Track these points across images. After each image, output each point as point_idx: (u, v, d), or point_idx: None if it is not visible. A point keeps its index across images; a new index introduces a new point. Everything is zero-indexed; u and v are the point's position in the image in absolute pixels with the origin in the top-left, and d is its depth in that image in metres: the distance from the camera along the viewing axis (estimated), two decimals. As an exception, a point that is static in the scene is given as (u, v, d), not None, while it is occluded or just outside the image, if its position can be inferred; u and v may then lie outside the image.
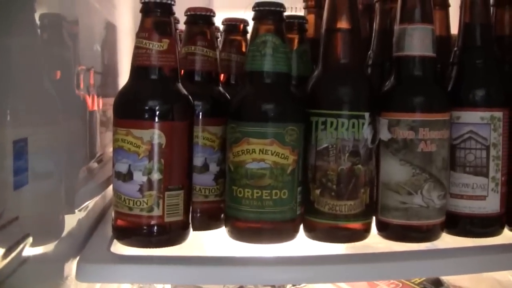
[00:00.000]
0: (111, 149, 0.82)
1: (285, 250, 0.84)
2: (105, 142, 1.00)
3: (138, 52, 0.81)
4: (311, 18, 1.04)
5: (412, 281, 1.10)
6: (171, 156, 0.79)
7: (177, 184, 0.80)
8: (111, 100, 0.83)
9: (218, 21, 1.01)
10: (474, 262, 0.86)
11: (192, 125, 0.83)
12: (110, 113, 0.82)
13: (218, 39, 1.06)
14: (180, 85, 0.82)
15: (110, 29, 1.08)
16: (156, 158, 0.79)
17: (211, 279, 0.80)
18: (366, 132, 0.84)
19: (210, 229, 0.91)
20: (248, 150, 0.82)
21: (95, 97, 0.95)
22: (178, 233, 0.82)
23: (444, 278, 1.11)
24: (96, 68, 0.97)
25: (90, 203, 0.91)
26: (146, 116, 0.78)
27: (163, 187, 0.79)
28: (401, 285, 1.10)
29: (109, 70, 1.07)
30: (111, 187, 0.83)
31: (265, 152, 0.82)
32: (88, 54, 0.92)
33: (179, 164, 0.81)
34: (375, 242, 0.89)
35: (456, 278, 1.12)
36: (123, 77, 0.84)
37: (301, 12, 1.08)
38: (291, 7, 1.20)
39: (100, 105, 0.97)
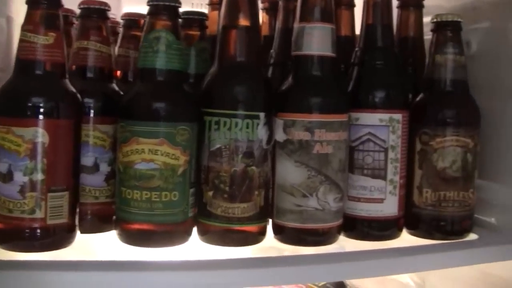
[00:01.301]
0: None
1: (179, 254, 0.81)
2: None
3: (23, 46, 0.77)
4: (214, 14, 1.02)
5: (316, 283, 1.09)
6: (55, 155, 0.76)
7: (61, 185, 0.77)
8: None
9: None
10: (374, 265, 0.85)
11: (79, 124, 0.80)
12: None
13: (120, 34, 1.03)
14: (67, 82, 0.79)
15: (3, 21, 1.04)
16: (38, 157, 0.75)
17: (100, 285, 0.76)
18: (261, 133, 0.82)
19: (102, 232, 0.87)
20: (137, 150, 0.79)
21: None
22: (62, 236, 0.78)
23: (347, 280, 1.10)
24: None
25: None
26: (28, 113, 0.75)
27: (46, 188, 0.75)
28: (304, 287, 1.09)
29: (4, 64, 1.02)
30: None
31: (154, 153, 0.79)
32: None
33: (64, 164, 0.77)
34: (280, 244, 0.87)
35: (359, 280, 1.11)
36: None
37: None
38: (201, 4, 1.17)
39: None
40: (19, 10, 1.01)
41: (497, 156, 0.98)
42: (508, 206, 0.97)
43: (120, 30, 1.03)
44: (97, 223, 0.87)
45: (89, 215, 0.86)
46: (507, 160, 0.97)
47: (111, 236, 0.85)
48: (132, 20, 1.01)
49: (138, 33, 1.00)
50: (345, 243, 0.90)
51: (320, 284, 1.10)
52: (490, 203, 0.99)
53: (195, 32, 0.97)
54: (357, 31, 0.99)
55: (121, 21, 1.02)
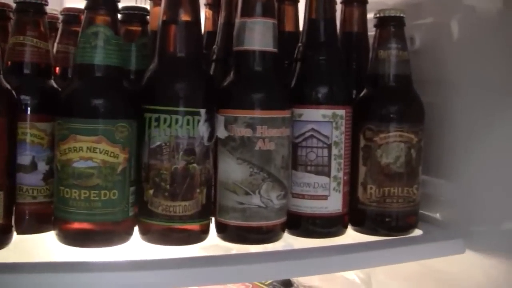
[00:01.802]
0: None
1: (120, 254, 0.80)
2: None
3: (-47, 41, 0.74)
4: (156, 10, 0.99)
5: (262, 281, 1.08)
6: (-12, 154, 0.73)
7: (-4, 185, 0.75)
8: None
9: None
10: (319, 263, 0.84)
11: (13, 121, 0.77)
12: None
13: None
14: (0, 78, 0.76)
15: None
16: (-30, 156, 0.73)
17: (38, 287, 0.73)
18: (202, 130, 0.80)
19: (40, 232, 0.84)
20: (75, 148, 0.77)
21: None
22: (-2, 237, 0.76)
23: (294, 278, 1.10)
24: None
25: None
26: (-42, 111, 0.72)
27: (-21, 188, 0.73)
28: (251, 285, 1.08)
29: None
30: None
31: (93, 150, 0.77)
32: None
33: (-2, 163, 0.75)
34: (226, 243, 0.86)
35: (306, 277, 1.10)
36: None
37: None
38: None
39: None
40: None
41: (441, 152, 0.98)
42: (452, 202, 0.97)
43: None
44: (35, 223, 0.84)
45: (27, 215, 0.83)
46: (451, 156, 0.97)
47: (50, 237, 0.83)
48: (71, 15, 0.98)
49: (78, 29, 0.97)
50: (292, 241, 0.89)
51: (267, 283, 1.09)
52: (434, 198, 0.99)
53: (137, 28, 0.95)
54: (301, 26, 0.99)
55: (60, 16, 0.99)
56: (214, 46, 0.99)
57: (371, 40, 0.99)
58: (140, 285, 0.75)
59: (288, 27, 1.00)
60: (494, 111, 0.90)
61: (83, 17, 0.93)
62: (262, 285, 1.08)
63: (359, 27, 1.03)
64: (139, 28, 0.96)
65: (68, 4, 1.05)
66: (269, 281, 1.09)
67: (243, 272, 0.80)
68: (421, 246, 0.91)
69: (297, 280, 1.10)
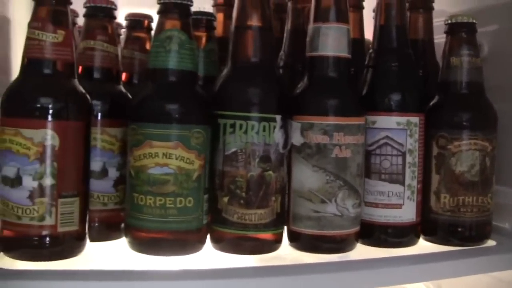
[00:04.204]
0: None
1: (191, 263, 0.78)
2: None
3: (30, 44, 0.73)
4: (220, 16, 0.99)
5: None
6: (65, 159, 0.72)
7: (72, 191, 0.73)
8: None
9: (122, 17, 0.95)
10: (389, 273, 0.82)
11: (89, 126, 0.76)
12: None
13: (121, 36, 1.00)
14: (76, 82, 0.76)
15: (1, 21, 1.00)
16: (48, 161, 0.71)
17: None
18: (278, 136, 0.79)
19: (110, 240, 0.84)
20: (150, 154, 0.75)
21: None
22: (73, 244, 0.74)
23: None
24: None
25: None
26: (37, 114, 0.71)
27: (56, 193, 0.72)
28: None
29: (1, 66, 0.98)
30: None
31: (169, 156, 0.75)
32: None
33: (74, 168, 0.74)
34: (285, 253, 0.84)
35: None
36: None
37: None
38: (199, 7, 1.14)
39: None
40: (17, 10, 0.98)
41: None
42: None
43: (123, 31, 0.99)
44: (105, 231, 0.83)
45: (97, 223, 0.82)
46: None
47: (119, 245, 0.82)
48: (136, 21, 0.97)
49: (143, 34, 0.97)
50: (362, 250, 0.87)
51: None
52: (505, 208, 0.96)
53: (203, 33, 0.94)
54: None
55: (125, 21, 0.98)
56: (281, 53, 0.97)
57: (436, 47, 0.97)
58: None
59: (353, 34, 0.99)
60: None
61: (146, 22, 0.93)
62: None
63: (425, 33, 1.01)
64: (206, 34, 0.95)
65: (123, 10, 1.05)
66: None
67: (315, 282, 0.77)
68: (495, 258, 0.89)
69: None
